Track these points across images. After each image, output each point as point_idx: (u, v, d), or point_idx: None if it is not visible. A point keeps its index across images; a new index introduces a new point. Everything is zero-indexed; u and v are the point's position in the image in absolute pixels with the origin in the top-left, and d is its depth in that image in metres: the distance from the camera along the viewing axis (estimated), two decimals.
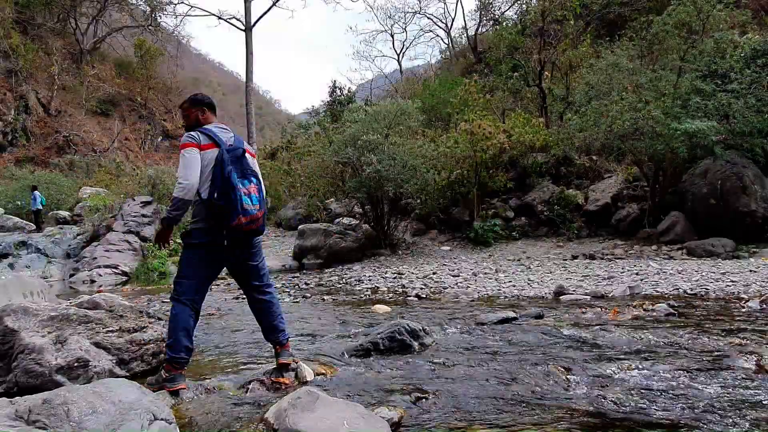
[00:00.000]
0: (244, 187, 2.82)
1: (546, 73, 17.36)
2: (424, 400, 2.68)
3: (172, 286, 2.99)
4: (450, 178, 13.15)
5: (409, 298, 6.78)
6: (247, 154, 2.96)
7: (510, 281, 7.72)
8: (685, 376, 2.93)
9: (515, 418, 2.42)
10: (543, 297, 6.43)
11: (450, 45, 35.25)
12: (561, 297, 6.27)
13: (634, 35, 13.70)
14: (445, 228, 13.65)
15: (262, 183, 3.01)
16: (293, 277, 9.58)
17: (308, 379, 3.02)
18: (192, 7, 49.02)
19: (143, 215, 13.48)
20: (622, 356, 3.33)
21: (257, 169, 3.04)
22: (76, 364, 2.80)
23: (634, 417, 2.39)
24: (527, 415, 2.46)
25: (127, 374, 2.99)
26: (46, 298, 4.69)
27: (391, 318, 4.93)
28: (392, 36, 38.33)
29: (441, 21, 37.90)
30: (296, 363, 3.09)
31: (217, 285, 8.33)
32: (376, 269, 9.96)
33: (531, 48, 18.13)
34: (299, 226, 12.72)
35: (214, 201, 2.77)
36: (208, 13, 48.43)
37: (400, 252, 12.10)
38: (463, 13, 66.88)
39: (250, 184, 2.85)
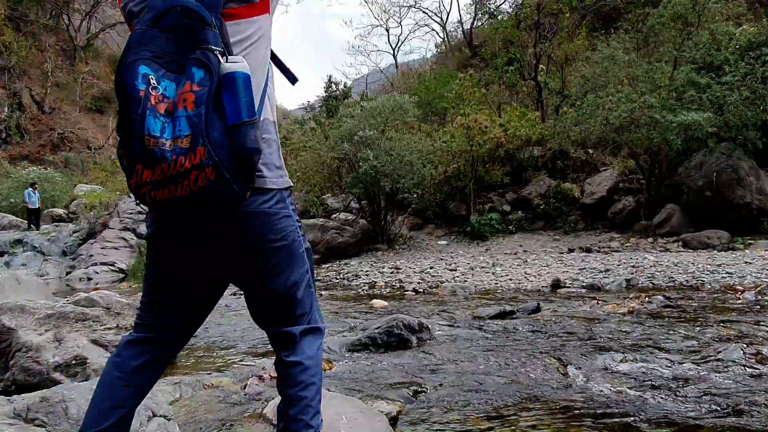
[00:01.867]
0: None
1: (542, 66, 17.35)
2: (422, 394, 2.69)
3: None
4: (446, 172, 13.15)
5: (406, 292, 6.79)
6: None
7: (507, 275, 7.74)
8: (682, 368, 2.95)
9: (513, 412, 2.43)
10: (540, 290, 6.45)
11: (445, 39, 35.12)
12: (558, 290, 6.30)
13: (630, 28, 13.70)
14: (442, 222, 13.66)
15: None
16: None
17: None
18: None
19: (139, 212, 13.44)
20: (619, 349, 3.35)
21: None
22: (73, 362, 2.80)
23: (632, 410, 2.40)
24: (525, 409, 2.48)
25: None
26: (43, 296, 4.67)
27: (388, 313, 4.94)
28: (387, 30, 38.16)
29: (436, 15, 37.80)
30: None
31: None
32: (374, 264, 9.97)
33: (527, 41, 18.09)
34: None
35: None
36: None
37: (397, 247, 12.11)
38: (459, 7, 66.84)
39: None
